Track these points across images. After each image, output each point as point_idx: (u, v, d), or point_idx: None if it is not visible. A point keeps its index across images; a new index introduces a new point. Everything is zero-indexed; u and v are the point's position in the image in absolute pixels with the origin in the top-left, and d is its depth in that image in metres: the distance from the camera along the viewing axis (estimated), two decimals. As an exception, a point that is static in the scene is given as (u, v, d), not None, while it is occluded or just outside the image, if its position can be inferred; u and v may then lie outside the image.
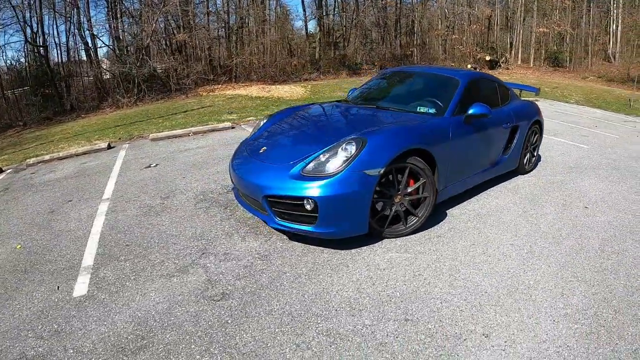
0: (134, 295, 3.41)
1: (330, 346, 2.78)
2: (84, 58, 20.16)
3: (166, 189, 5.82)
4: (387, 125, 4.43)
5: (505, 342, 2.84)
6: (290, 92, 17.35)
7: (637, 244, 4.43)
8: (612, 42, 40.43)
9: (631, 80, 31.55)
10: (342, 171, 3.70)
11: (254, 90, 17.60)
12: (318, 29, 26.57)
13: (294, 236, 4.24)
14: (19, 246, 4.46)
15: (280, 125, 5.20)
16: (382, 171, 3.80)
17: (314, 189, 3.68)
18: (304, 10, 27.84)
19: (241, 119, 11.03)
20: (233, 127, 10.06)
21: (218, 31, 23.23)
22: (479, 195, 5.60)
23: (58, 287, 3.59)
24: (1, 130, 16.12)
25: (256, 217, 4.62)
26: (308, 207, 3.72)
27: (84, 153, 8.25)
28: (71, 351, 2.82)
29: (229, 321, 3.06)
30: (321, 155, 3.89)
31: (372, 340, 2.83)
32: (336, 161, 3.78)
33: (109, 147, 8.55)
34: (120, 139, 9.29)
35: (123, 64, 16.99)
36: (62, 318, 3.17)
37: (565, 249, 4.20)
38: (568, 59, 38.68)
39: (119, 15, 19.05)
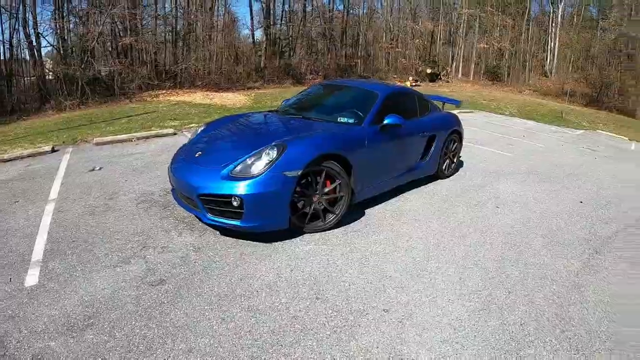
0: (81, 283, 3.85)
1: (251, 319, 3.33)
2: (27, 57, 19.80)
3: (109, 191, 6.21)
4: (306, 133, 5.08)
5: (403, 316, 3.42)
6: (234, 100, 17.75)
7: (539, 237, 5.20)
8: (550, 58, 42.49)
9: (565, 94, 33.26)
10: (264, 172, 4.30)
11: (198, 97, 17.89)
12: (264, 37, 27.03)
13: (226, 231, 4.75)
14: (-32, 243, 4.76)
15: (216, 132, 5.74)
16: (299, 173, 4.40)
17: (240, 188, 4.26)
18: (252, 18, 28.30)
19: (183, 126, 11.39)
20: (175, 134, 10.45)
21: (165, 35, 23.34)
22: (398, 197, 6.28)
23: (10, 279, 3.96)
24: None
25: (192, 215, 5.18)
26: (235, 203, 4.29)
27: (29, 156, 8.42)
28: (25, 332, 3.23)
29: (165, 302, 3.56)
30: (248, 159, 4.46)
31: (287, 314, 3.40)
32: (260, 164, 4.37)
33: (53, 150, 8.75)
34: (64, 142, 9.47)
35: (67, 66, 16.89)
36: (15, 305, 3.56)
37: (470, 242, 4.88)
38: (506, 74, 40.31)
39: (65, 15, 18.87)
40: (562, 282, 4.21)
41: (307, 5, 29.59)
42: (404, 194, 6.41)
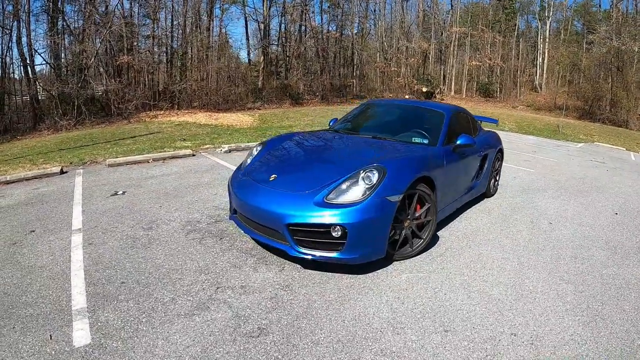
0: (154, 340, 2.96)
1: None
2: (17, 75, 18.79)
3: (145, 219, 5.30)
4: (397, 155, 4.68)
5: (531, 337, 3.25)
6: (239, 120, 16.99)
7: (600, 250, 5.23)
8: (539, 73, 43.14)
9: (557, 108, 34.36)
10: (367, 198, 3.80)
11: (201, 117, 17.15)
12: (262, 58, 26.45)
13: (308, 264, 4.15)
14: (-18, 287, 3.79)
15: (279, 153, 5.14)
16: (401, 197, 3.99)
17: (342, 216, 3.71)
18: (247, 39, 27.75)
19: (197, 147, 10.54)
20: (194, 155, 9.61)
21: (159, 56, 22.55)
22: (459, 217, 6.01)
23: (50, 336, 3.01)
24: None
25: (260, 247, 4.52)
26: (335, 234, 3.74)
27: (35, 177, 7.47)
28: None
29: (279, 357, 2.86)
30: (342, 184, 3.96)
31: (424, 352, 2.98)
32: (358, 189, 3.89)
33: (62, 172, 7.82)
34: (71, 163, 8.54)
35: (64, 84, 15.92)
36: (70, 375, 2.64)
37: (546, 259, 4.78)
38: (498, 90, 40.76)
39: (59, 31, 17.90)
40: (638, 290, 4.25)
41: (301, 26, 29.18)
42: (463, 215, 6.17)
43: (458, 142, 5.30)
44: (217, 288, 3.66)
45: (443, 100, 34.95)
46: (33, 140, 13.26)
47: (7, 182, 7.25)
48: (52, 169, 7.83)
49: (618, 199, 8.20)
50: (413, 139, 5.43)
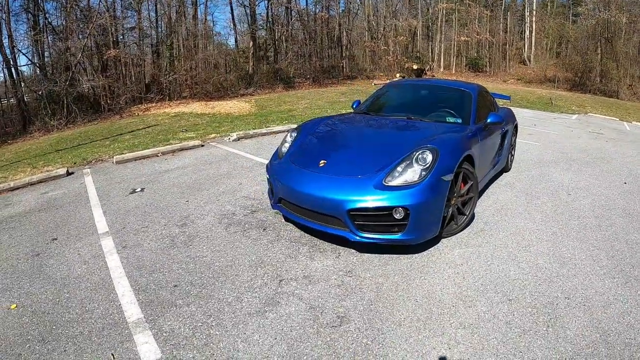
0: (233, 343, 2.72)
1: (473, 335, 2.92)
2: (1, 78, 18.03)
3: (176, 215, 4.98)
4: (443, 135, 4.65)
5: (582, 299, 3.42)
6: (236, 107, 16.53)
7: (619, 218, 5.37)
8: (527, 46, 42.94)
9: (548, 81, 34.54)
10: (425, 179, 3.85)
11: (197, 107, 16.67)
12: (251, 43, 25.87)
13: (362, 248, 4.11)
14: (14, 306, 3.37)
15: (318, 138, 5.03)
16: (453, 176, 4.09)
17: (404, 198, 3.74)
18: (234, 25, 27.14)
19: (204, 136, 10.15)
20: (202, 145, 9.25)
21: (143, 49, 21.89)
22: (485, 193, 6.05)
23: (113, 354, 2.67)
24: None
25: (308, 235, 4.42)
26: (397, 215, 3.76)
27: (41, 181, 7.07)
28: None
29: (369, 342, 2.84)
30: (397, 167, 3.97)
31: (498, 322, 3.09)
32: (413, 170, 3.92)
33: (68, 173, 7.42)
34: (75, 163, 8.13)
35: (52, 83, 15.30)
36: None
37: (575, 228, 4.96)
38: (487, 64, 40.57)
39: (42, 30, 17.20)
40: (661, 253, 4.47)
41: (288, 9, 28.60)
42: (488, 190, 6.22)
43: (489, 120, 5.38)
44: (280, 281, 3.50)
45: (434, 76, 34.65)
46: (26, 144, 12.77)
47: (12, 189, 6.83)
48: (58, 171, 7.43)
49: (623, 168, 8.38)
50: (447, 118, 5.43)
